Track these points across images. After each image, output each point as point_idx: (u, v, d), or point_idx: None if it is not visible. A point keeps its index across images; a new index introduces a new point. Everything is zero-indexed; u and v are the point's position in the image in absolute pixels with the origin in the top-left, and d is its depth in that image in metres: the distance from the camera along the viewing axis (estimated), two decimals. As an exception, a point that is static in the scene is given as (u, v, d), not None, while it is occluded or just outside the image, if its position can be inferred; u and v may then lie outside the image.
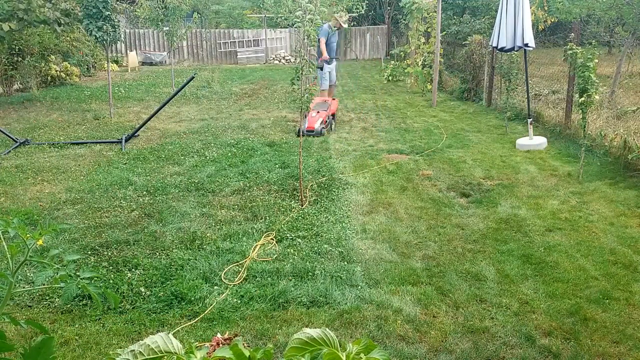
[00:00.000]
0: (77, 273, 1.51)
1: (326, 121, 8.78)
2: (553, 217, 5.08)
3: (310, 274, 3.97)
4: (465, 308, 3.56)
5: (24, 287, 3.68)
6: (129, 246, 4.46)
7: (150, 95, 12.72)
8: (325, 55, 9.56)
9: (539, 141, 7.67)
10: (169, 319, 3.44)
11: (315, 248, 4.41)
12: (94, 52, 16.06)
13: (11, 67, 12.10)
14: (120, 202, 5.45)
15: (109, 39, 9.22)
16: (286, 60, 21.79)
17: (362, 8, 15.90)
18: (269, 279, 3.91)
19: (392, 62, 16.88)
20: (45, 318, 3.44)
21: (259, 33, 22.08)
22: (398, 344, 3.16)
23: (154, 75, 16.56)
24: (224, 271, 4.02)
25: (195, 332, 3.29)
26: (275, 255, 4.30)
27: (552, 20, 15.15)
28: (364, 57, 23.33)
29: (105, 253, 4.33)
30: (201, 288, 3.77)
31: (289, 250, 4.39)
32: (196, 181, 6.10)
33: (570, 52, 6.48)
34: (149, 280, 3.88)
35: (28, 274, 3.96)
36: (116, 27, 9.28)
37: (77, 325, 3.35)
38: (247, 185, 6.00)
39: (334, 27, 9.72)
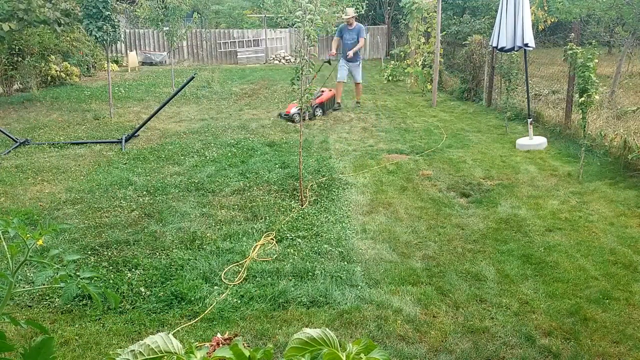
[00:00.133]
0: (77, 273, 1.51)
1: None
2: (553, 217, 5.09)
3: (310, 274, 3.97)
4: (465, 308, 3.56)
5: (24, 287, 3.68)
6: (129, 246, 4.46)
7: (150, 95, 12.72)
8: (333, 50, 10.80)
9: (539, 141, 7.67)
10: (169, 319, 3.44)
11: (315, 248, 4.41)
12: (94, 52, 16.05)
13: (11, 67, 12.10)
14: (120, 202, 5.45)
15: (109, 39, 9.22)
16: (286, 60, 21.79)
17: (362, 8, 15.89)
18: (269, 279, 3.91)
19: (392, 62, 16.88)
20: (45, 318, 3.44)
21: (259, 33, 22.08)
22: (398, 344, 3.16)
23: (154, 75, 16.56)
24: (224, 271, 4.02)
25: (195, 332, 3.29)
26: (275, 255, 4.30)
27: (552, 20, 15.16)
28: (364, 57, 23.31)
29: (105, 253, 4.34)
30: (201, 288, 3.77)
31: (289, 250, 4.39)
32: (196, 181, 6.10)
33: (570, 52, 6.48)
34: (149, 280, 3.88)
35: (28, 274, 3.96)
36: (116, 27, 9.28)
37: (77, 325, 3.35)
38: (247, 185, 6.00)
39: (348, 24, 10.51)
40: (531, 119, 7.86)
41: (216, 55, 21.81)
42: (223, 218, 5.06)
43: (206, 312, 3.49)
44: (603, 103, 9.05)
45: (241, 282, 3.89)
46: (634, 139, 6.57)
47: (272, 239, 4.61)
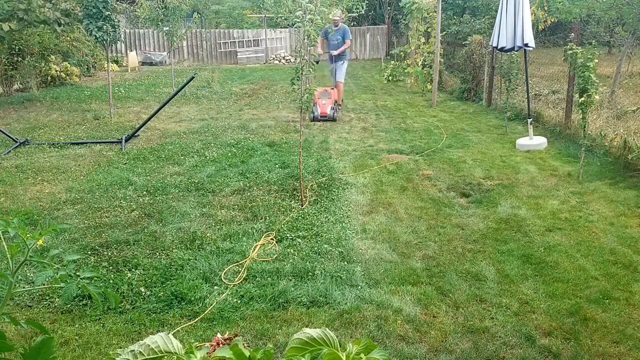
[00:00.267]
0: (77, 273, 1.51)
1: (333, 107, 9.91)
2: (553, 217, 5.08)
3: (310, 274, 3.97)
4: (465, 308, 3.56)
5: (24, 287, 3.68)
6: (129, 246, 4.46)
7: (150, 95, 12.72)
8: (319, 50, 10.20)
9: (539, 141, 7.67)
10: (169, 319, 3.44)
11: (315, 248, 4.41)
12: (94, 52, 16.06)
13: (11, 67, 12.10)
14: (120, 202, 5.45)
15: (109, 39, 9.22)
16: (286, 60, 21.79)
17: (362, 8, 15.89)
18: (269, 279, 3.91)
19: (392, 62, 16.88)
20: (45, 318, 3.44)
21: (259, 33, 22.09)
22: (398, 344, 3.16)
23: (154, 75, 16.57)
24: (224, 271, 4.02)
25: (195, 332, 3.29)
26: (275, 255, 4.30)
27: (552, 20, 15.15)
28: (364, 57, 23.33)
29: (105, 253, 4.34)
30: (201, 288, 3.77)
31: (289, 250, 4.39)
32: (196, 181, 6.11)
33: (570, 52, 6.48)
34: (149, 280, 3.88)
35: (28, 274, 3.96)
36: (116, 27, 9.28)
37: (77, 325, 3.35)
38: (247, 185, 6.00)
39: (333, 25, 10.07)
40: (531, 119, 7.86)
41: (216, 55, 21.81)
42: (223, 218, 5.06)
43: (206, 312, 3.49)
44: (603, 103, 9.05)
45: (241, 282, 3.89)
46: (634, 139, 6.57)
47: (272, 239, 4.61)
